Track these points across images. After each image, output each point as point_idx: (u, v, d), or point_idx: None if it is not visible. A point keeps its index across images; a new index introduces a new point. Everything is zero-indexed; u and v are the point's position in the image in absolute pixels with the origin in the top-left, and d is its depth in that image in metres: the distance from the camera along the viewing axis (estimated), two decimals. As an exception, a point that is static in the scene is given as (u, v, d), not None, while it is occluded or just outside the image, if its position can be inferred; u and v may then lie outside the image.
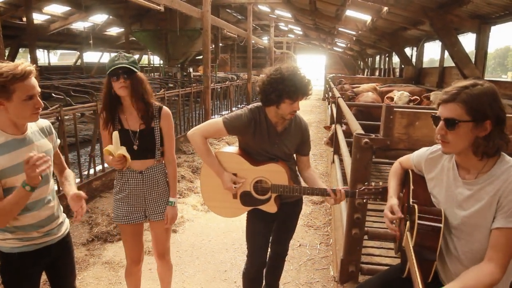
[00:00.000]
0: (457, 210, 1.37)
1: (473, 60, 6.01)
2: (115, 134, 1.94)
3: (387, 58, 14.52)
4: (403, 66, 10.97)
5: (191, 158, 6.44)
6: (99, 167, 4.96)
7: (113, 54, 2.87)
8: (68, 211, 1.94)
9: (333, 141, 5.04)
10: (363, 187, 1.85)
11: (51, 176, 1.74)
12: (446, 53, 7.28)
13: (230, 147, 2.20)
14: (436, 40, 8.68)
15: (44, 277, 1.79)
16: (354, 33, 12.78)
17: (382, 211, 3.41)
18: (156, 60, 24.59)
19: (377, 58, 17.34)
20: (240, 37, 15.01)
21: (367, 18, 10.14)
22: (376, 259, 2.78)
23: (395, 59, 13.37)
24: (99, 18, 19.00)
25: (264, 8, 17.97)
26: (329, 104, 9.64)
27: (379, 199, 1.82)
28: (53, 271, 1.80)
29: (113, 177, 4.89)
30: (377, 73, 16.72)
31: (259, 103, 2.05)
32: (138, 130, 2.03)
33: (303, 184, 2.23)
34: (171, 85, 10.68)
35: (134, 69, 1.94)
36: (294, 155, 2.21)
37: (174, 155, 2.20)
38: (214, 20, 9.49)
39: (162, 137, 2.10)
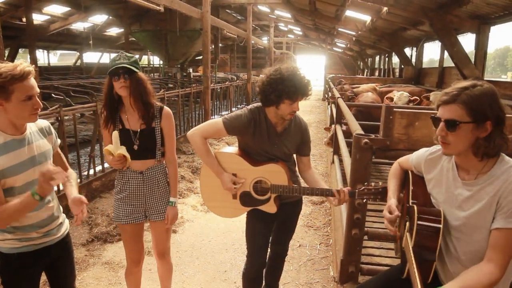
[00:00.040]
0: (457, 210, 1.37)
1: (472, 60, 6.01)
2: (115, 133, 1.95)
3: (386, 59, 14.53)
4: (402, 66, 10.98)
5: (191, 158, 6.44)
6: (99, 168, 4.96)
7: (113, 54, 2.87)
8: (67, 212, 1.94)
9: (333, 142, 5.04)
10: (363, 187, 1.85)
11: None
12: (446, 53, 7.27)
13: (230, 148, 2.20)
14: (435, 40, 8.69)
15: (43, 277, 1.79)
16: (353, 33, 12.79)
17: (382, 211, 3.41)
18: (156, 61, 24.57)
19: (377, 58, 17.35)
20: (239, 37, 15.02)
21: (366, 18, 10.14)
22: (376, 260, 2.78)
23: (395, 60, 13.39)
24: (99, 18, 19.01)
25: (263, 8, 17.97)
26: (328, 104, 9.64)
27: (378, 199, 1.82)
28: (53, 271, 1.80)
29: (113, 178, 4.90)
30: (376, 74, 16.73)
31: (259, 104, 2.05)
32: (138, 130, 2.04)
33: (302, 184, 2.23)
34: (171, 85, 10.68)
35: (134, 69, 1.94)
36: (294, 155, 2.21)
37: (175, 155, 2.20)
38: (214, 21, 9.49)
39: (163, 137, 2.10)
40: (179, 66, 15.62)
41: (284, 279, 2.93)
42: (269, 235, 2.24)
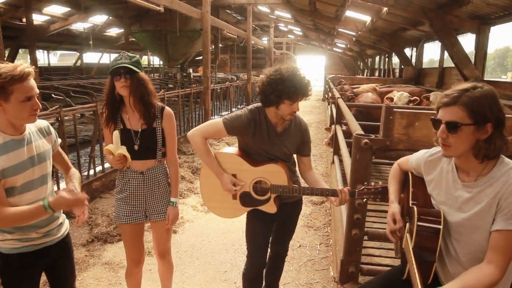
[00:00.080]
0: (457, 212, 1.38)
1: (472, 60, 6.01)
2: (116, 133, 1.95)
3: (386, 59, 14.53)
4: (402, 66, 10.98)
5: (191, 158, 6.44)
6: (99, 168, 4.96)
7: (113, 55, 2.88)
8: (68, 212, 1.94)
9: (333, 142, 5.04)
10: (363, 187, 1.85)
11: (50, 177, 1.73)
12: (446, 54, 7.27)
13: (230, 148, 2.20)
14: (435, 40, 8.69)
15: (44, 278, 1.79)
16: (353, 33, 12.78)
17: (382, 211, 3.43)
18: (156, 61, 24.57)
19: (377, 58, 17.35)
20: (239, 37, 15.02)
21: (366, 18, 10.14)
22: (376, 260, 2.78)
23: (395, 60, 13.39)
24: (99, 18, 18.99)
25: (263, 8, 17.97)
26: (329, 104, 9.64)
27: (378, 199, 1.82)
28: (53, 272, 1.80)
29: (113, 178, 4.90)
30: (376, 74, 16.72)
31: (259, 104, 2.05)
32: (139, 130, 2.04)
33: (303, 184, 2.23)
34: (171, 85, 10.67)
35: (136, 69, 1.94)
36: (295, 156, 2.21)
37: (176, 155, 2.20)
38: (213, 21, 9.49)
39: (164, 137, 2.11)
40: (179, 66, 15.62)
41: (284, 279, 2.93)
42: (269, 235, 2.24)
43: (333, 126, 5.22)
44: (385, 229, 1.62)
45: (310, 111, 14.34)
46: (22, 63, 1.49)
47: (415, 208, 1.41)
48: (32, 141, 1.62)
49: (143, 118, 2.03)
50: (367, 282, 1.80)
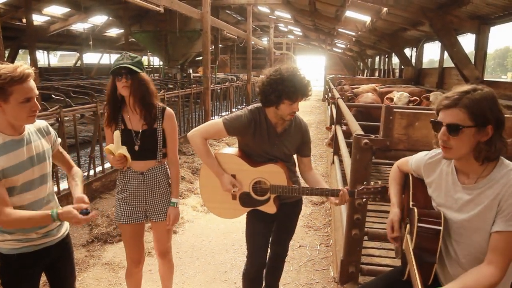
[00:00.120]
0: (457, 213, 1.38)
1: (472, 60, 6.00)
2: (116, 133, 1.96)
3: (386, 59, 14.52)
4: (402, 66, 10.98)
5: (191, 159, 6.44)
6: (99, 168, 4.95)
7: (113, 55, 2.88)
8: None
9: (333, 142, 5.04)
10: (362, 187, 1.85)
11: (50, 177, 1.74)
12: (446, 54, 7.26)
13: (230, 148, 2.21)
14: (435, 40, 8.69)
15: (43, 278, 1.79)
16: (353, 34, 12.78)
17: (382, 211, 3.43)
18: (156, 61, 24.57)
19: (377, 59, 17.35)
20: (239, 38, 15.02)
21: (366, 19, 10.14)
22: (376, 260, 2.78)
23: (395, 60, 13.38)
24: (99, 19, 18.98)
25: (263, 9, 17.97)
26: (328, 105, 9.64)
27: (378, 198, 1.82)
28: (53, 272, 1.80)
29: (113, 178, 4.90)
30: (376, 74, 16.72)
31: (259, 104, 2.06)
32: (140, 130, 2.04)
33: (303, 184, 2.23)
34: (171, 86, 10.70)
35: (137, 69, 1.95)
36: (295, 156, 2.21)
37: (177, 156, 2.20)
38: (213, 21, 9.50)
39: (165, 138, 2.11)
40: (179, 66, 15.63)
41: (284, 279, 2.93)
42: (269, 235, 2.24)
43: (333, 126, 5.22)
44: (385, 229, 1.62)
45: (310, 111, 14.35)
46: (22, 64, 1.50)
47: (416, 210, 1.41)
48: (32, 141, 1.62)
49: (143, 119, 2.04)
50: (367, 282, 1.80)
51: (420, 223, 1.37)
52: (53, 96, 8.78)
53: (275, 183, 1.99)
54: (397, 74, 12.68)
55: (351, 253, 2.35)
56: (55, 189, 3.74)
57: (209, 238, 3.72)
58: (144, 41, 15.55)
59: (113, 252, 3.38)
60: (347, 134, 4.17)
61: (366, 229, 2.35)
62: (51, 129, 1.76)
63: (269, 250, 2.32)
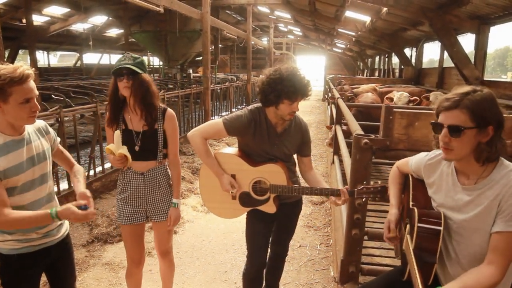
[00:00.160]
0: (457, 214, 1.38)
1: (472, 60, 6.00)
2: (117, 133, 1.96)
3: (386, 59, 14.53)
4: (402, 66, 10.98)
5: (191, 159, 6.44)
6: (99, 169, 4.95)
7: (113, 55, 2.88)
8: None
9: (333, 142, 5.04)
10: (362, 186, 1.85)
11: (51, 176, 1.74)
12: (446, 54, 7.26)
13: (230, 148, 2.21)
14: (435, 40, 8.69)
15: (44, 278, 1.79)
16: (353, 34, 12.78)
17: (382, 211, 3.43)
18: (156, 61, 24.57)
19: (377, 58, 17.35)
20: (239, 38, 15.01)
21: (366, 19, 10.14)
22: (376, 260, 2.78)
23: (395, 60, 13.39)
24: (99, 19, 18.98)
25: (263, 9, 17.97)
26: (328, 104, 9.64)
27: (378, 198, 1.82)
28: (53, 272, 1.80)
29: (113, 179, 4.90)
30: (376, 74, 16.72)
31: (259, 104, 2.06)
32: (141, 131, 2.04)
33: (303, 184, 2.23)
34: (170, 86, 10.69)
35: (138, 70, 1.95)
36: (295, 156, 2.21)
37: (178, 157, 2.20)
38: (213, 21, 9.49)
39: (166, 139, 2.11)
40: (179, 67, 15.62)
41: (285, 279, 2.93)
42: (269, 235, 2.24)
43: (333, 126, 5.22)
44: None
45: (310, 111, 14.35)
46: (22, 65, 1.50)
47: (416, 210, 1.41)
48: (32, 141, 1.62)
49: (144, 120, 2.04)
50: (367, 282, 1.80)
51: (420, 223, 1.37)
52: (53, 96, 8.78)
53: (275, 183, 1.99)
54: (397, 74, 12.68)
55: (351, 253, 2.35)
56: (55, 189, 3.74)
57: (209, 238, 3.72)
58: (144, 41, 15.54)
59: (113, 252, 3.38)
60: (347, 134, 4.17)
61: (366, 229, 2.35)
62: (50, 128, 1.77)
63: (269, 250, 2.32)
